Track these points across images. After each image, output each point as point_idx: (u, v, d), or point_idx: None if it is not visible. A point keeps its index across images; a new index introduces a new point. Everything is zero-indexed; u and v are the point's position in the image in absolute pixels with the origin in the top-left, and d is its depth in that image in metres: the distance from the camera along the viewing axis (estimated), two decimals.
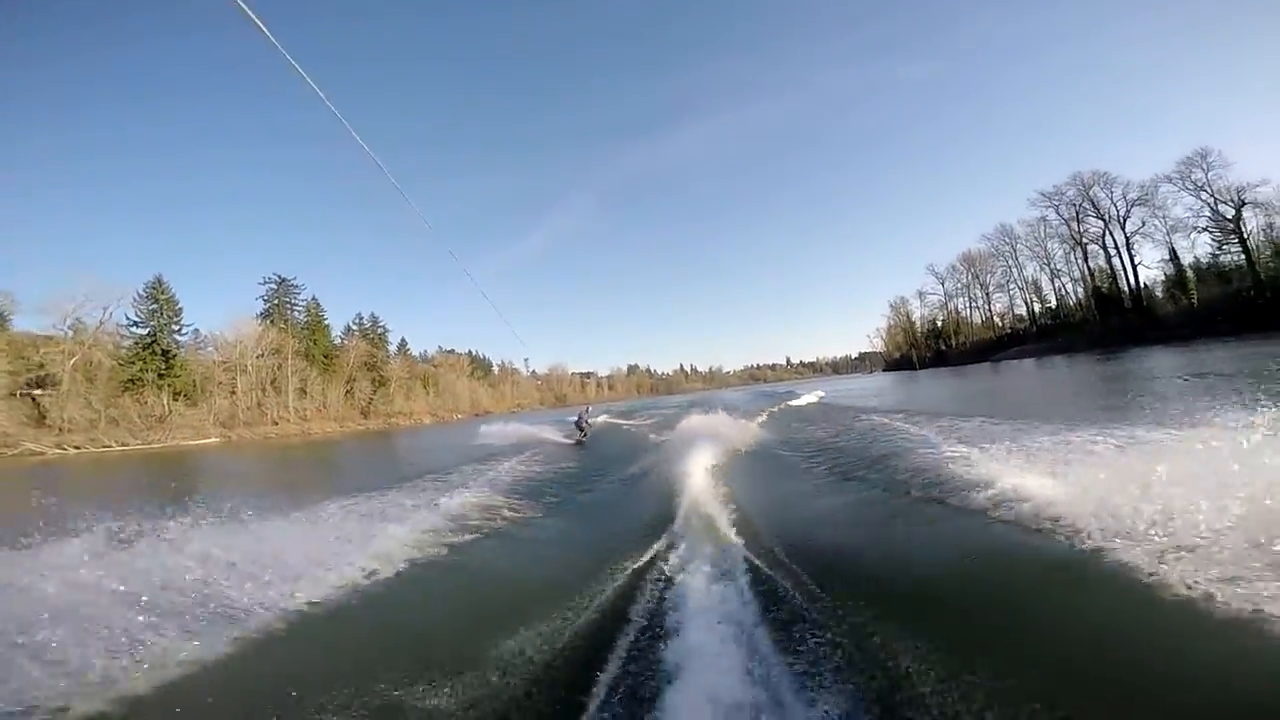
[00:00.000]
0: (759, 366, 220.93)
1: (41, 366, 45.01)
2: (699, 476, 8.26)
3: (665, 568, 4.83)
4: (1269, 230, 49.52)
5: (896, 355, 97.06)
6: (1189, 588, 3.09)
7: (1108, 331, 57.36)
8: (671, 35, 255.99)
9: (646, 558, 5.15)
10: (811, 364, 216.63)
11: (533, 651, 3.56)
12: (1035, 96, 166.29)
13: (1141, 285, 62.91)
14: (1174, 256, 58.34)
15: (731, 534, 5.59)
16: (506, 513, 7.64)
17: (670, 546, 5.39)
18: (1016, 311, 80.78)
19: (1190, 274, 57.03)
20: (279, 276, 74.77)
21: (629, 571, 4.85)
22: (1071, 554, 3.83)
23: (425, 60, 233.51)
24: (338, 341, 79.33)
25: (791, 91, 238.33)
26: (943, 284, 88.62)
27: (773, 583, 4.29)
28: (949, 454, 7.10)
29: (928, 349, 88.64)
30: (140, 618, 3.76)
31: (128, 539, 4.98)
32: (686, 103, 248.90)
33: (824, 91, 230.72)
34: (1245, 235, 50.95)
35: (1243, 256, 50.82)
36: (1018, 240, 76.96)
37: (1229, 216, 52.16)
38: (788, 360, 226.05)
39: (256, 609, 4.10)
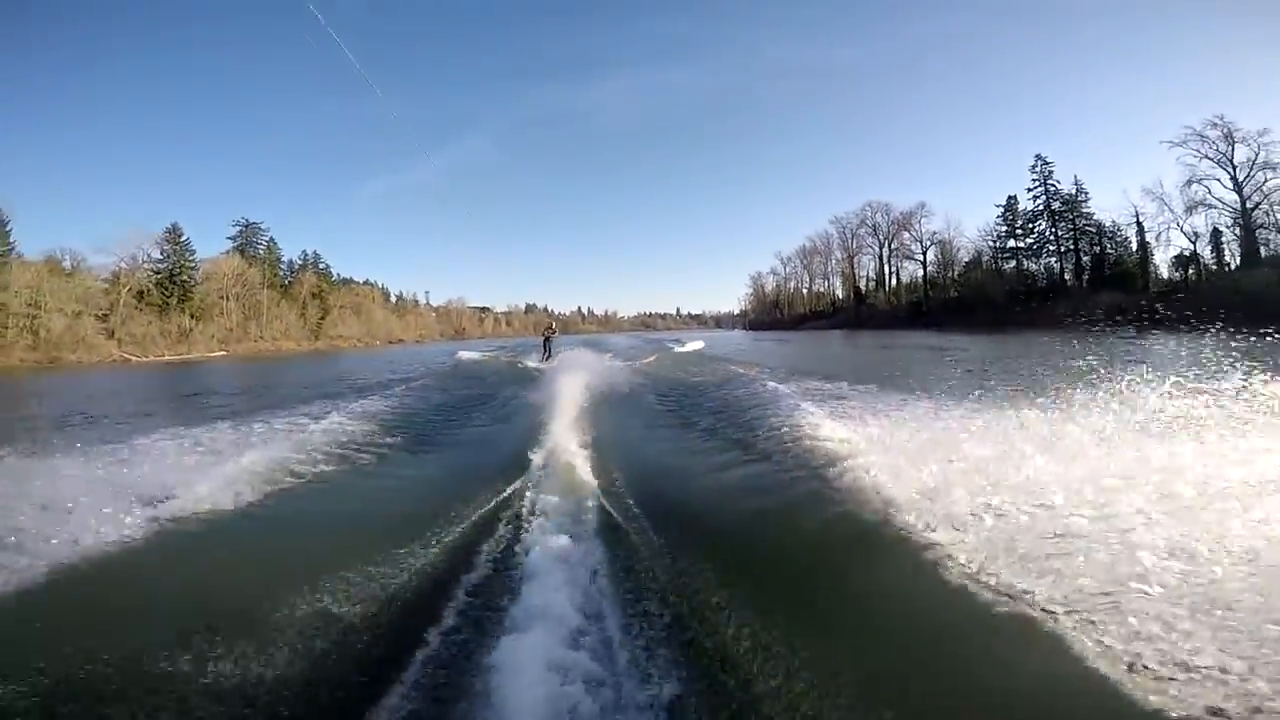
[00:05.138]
0: (651, 314, 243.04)
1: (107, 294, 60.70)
2: (565, 421, 8.37)
3: (516, 514, 4.77)
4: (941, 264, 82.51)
5: (753, 318, 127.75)
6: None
7: (858, 318, 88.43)
8: None
9: (497, 500, 5.10)
10: (698, 316, 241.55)
11: (362, 593, 3.43)
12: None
13: (891, 287, 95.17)
14: (896, 273, 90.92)
15: (589, 481, 5.61)
16: (367, 445, 7.60)
17: (524, 491, 5.33)
18: (828, 294, 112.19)
19: (914, 282, 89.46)
20: (246, 220, 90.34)
21: (478, 514, 4.78)
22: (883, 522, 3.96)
23: None
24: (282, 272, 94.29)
25: (715, 61, 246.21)
26: (785, 267, 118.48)
27: (624, 537, 4.34)
28: (802, 411, 7.57)
29: (771, 315, 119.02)
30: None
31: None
32: (610, 55, 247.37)
33: (748, 65, 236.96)
34: (926, 264, 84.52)
35: (943, 276, 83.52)
36: (832, 242, 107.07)
37: (923, 252, 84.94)
38: (678, 310, 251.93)
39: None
